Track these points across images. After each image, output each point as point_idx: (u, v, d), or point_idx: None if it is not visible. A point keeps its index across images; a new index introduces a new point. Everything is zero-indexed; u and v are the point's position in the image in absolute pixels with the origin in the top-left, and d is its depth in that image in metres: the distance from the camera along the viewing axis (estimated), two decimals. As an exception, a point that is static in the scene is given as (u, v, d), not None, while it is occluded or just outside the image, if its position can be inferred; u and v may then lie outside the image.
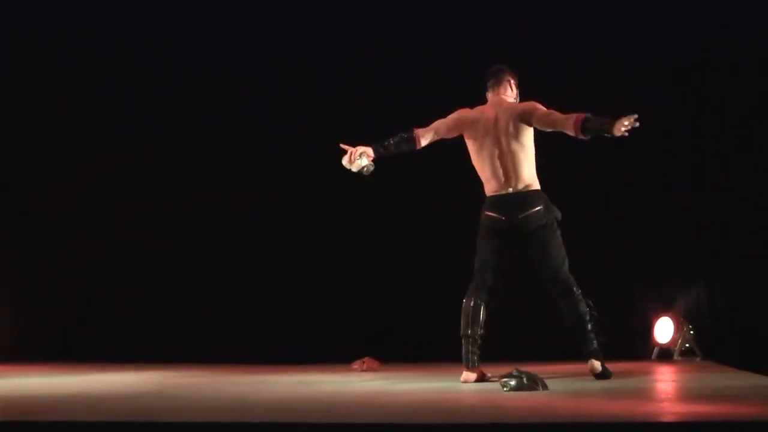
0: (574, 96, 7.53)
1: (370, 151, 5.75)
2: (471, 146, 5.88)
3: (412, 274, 7.69)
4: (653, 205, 7.73)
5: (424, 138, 5.83)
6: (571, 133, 5.60)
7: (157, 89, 8.16)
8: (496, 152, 5.79)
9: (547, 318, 6.93)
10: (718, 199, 7.69)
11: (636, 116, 5.40)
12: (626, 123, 5.40)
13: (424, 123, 5.96)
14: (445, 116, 5.94)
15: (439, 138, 5.88)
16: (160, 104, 8.14)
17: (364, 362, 6.82)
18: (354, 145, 5.77)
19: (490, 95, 6.00)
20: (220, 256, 8.03)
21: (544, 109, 5.77)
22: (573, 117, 5.58)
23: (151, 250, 8.03)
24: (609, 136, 5.50)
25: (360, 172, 5.75)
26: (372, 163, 5.74)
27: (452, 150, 7.61)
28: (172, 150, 8.14)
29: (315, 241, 7.90)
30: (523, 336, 7.20)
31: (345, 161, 5.76)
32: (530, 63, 7.48)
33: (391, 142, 5.79)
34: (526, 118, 5.78)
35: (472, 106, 5.98)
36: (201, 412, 4.54)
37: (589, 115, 5.55)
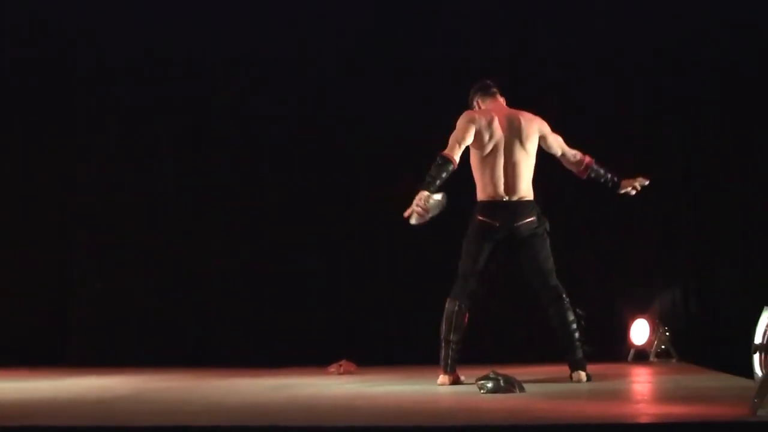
0: (549, 96, 7.61)
1: (426, 194, 5.57)
2: (476, 149, 5.83)
3: (389, 277, 7.68)
4: (629, 208, 7.75)
5: (456, 155, 5.72)
6: (573, 168, 6.01)
7: (139, 84, 8.07)
8: (502, 159, 5.81)
9: (524, 320, 6.97)
10: (692, 201, 7.74)
11: (647, 182, 5.96)
12: (637, 185, 5.96)
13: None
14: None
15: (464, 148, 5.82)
16: (142, 99, 8.06)
17: (341, 365, 6.80)
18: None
19: (488, 101, 5.96)
20: (197, 259, 7.99)
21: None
22: (581, 157, 5.99)
23: (126, 253, 7.97)
24: (610, 187, 5.99)
25: (438, 211, 5.59)
26: (441, 194, 5.61)
27: (427, 155, 7.66)
28: (149, 147, 8.06)
29: (291, 243, 7.88)
30: (500, 338, 7.20)
31: (415, 219, 5.58)
32: (509, 62, 7.52)
33: (433, 174, 5.65)
34: (541, 134, 5.91)
35: (466, 107, 5.99)
36: (176, 416, 4.51)
37: (595, 161, 5.98)
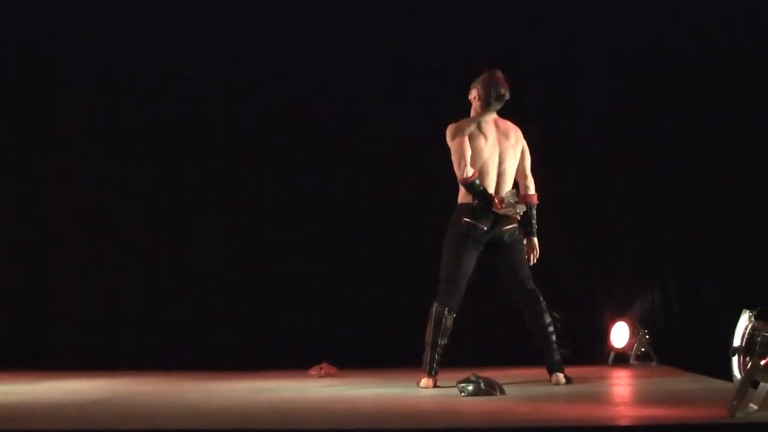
0: (532, 97, 7.64)
1: (501, 205, 5.72)
2: (473, 159, 5.78)
3: (369, 280, 7.66)
4: (608, 210, 7.78)
5: (469, 169, 5.73)
6: (522, 191, 5.94)
7: (124, 81, 8.00)
8: (494, 164, 5.80)
9: (505, 323, 6.97)
10: (671, 202, 7.76)
11: (533, 260, 5.99)
12: (531, 253, 5.95)
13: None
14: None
15: None
16: (119, 97, 8.01)
17: (321, 368, 6.79)
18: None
19: (491, 110, 5.86)
20: (175, 261, 7.95)
21: None
22: (534, 192, 5.99)
23: (104, 254, 7.91)
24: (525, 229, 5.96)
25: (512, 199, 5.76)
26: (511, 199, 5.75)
27: (411, 159, 7.66)
28: (131, 146, 8.01)
29: (272, 246, 7.85)
30: (480, 341, 7.20)
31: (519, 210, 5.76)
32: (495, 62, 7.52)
33: (479, 199, 5.71)
34: (522, 146, 5.96)
35: (457, 116, 5.96)
36: (155, 420, 4.49)
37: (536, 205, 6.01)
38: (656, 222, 7.81)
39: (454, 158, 5.79)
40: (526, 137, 6.03)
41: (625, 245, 7.77)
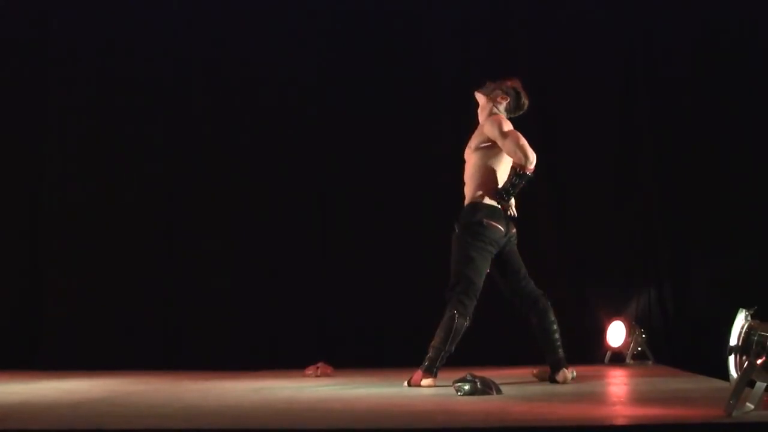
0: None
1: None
2: (502, 155, 5.72)
3: (365, 280, 7.67)
4: (603, 209, 7.79)
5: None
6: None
7: (117, 81, 8.02)
8: (509, 167, 5.74)
9: (501, 323, 6.97)
10: (668, 203, 7.78)
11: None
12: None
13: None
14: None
15: None
16: (114, 96, 8.02)
17: (317, 368, 6.79)
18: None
19: (510, 116, 5.84)
20: (173, 261, 7.95)
21: None
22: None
23: (100, 254, 7.91)
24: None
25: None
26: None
27: (409, 159, 7.67)
28: (122, 147, 8.01)
29: (268, 245, 7.86)
30: (476, 341, 7.19)
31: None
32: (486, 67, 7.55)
33: (514, 189, 5.64)
34: None
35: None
36: (152, 420, 4.49)
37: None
38: (652, 221, 7.82)
39: (516, 148, 5.57)
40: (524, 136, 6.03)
41: (621, 244, 7.78)
